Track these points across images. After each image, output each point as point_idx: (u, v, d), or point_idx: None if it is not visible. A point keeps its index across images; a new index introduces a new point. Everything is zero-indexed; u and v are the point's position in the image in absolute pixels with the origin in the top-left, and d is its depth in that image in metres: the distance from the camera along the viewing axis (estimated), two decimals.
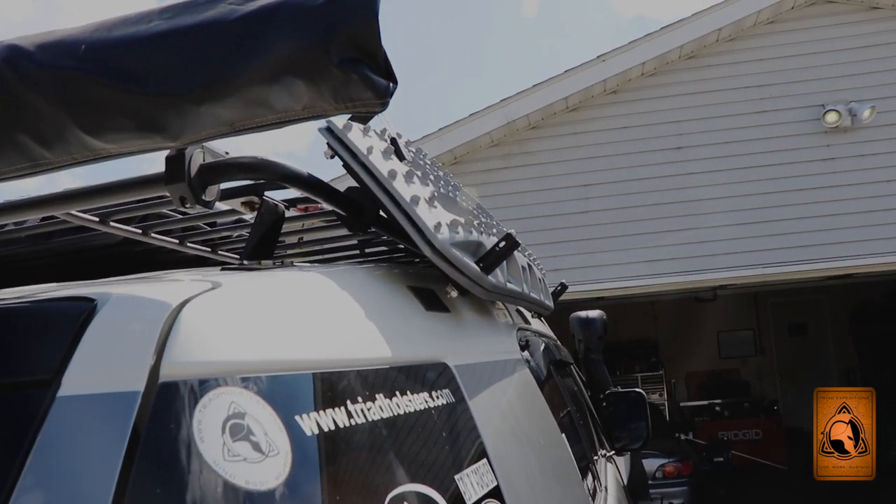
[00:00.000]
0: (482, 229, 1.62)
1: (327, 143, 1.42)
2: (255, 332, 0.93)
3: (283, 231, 1.49)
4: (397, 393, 1.12)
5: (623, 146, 8.51)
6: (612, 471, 3.81)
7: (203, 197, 1.18)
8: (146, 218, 1.76)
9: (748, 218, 8.12)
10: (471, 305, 1.79)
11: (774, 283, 9.06)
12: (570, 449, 2.38)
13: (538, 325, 3.18)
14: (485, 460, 1.32)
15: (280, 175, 1.24)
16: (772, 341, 14.99)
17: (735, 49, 8.67)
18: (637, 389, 4.29)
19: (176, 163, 1.15)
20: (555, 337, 3.75)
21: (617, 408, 4.14)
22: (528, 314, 2.89)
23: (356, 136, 1.39)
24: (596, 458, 3.29)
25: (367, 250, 2.26)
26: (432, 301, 1.51)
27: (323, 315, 1.12)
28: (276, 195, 1.43)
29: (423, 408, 1.18)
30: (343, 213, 1.47)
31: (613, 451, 4.00)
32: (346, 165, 1.38)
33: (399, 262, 2.15)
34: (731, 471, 11.22)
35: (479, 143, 8.57)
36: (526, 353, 2.22)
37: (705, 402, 13.61)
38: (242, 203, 1.39)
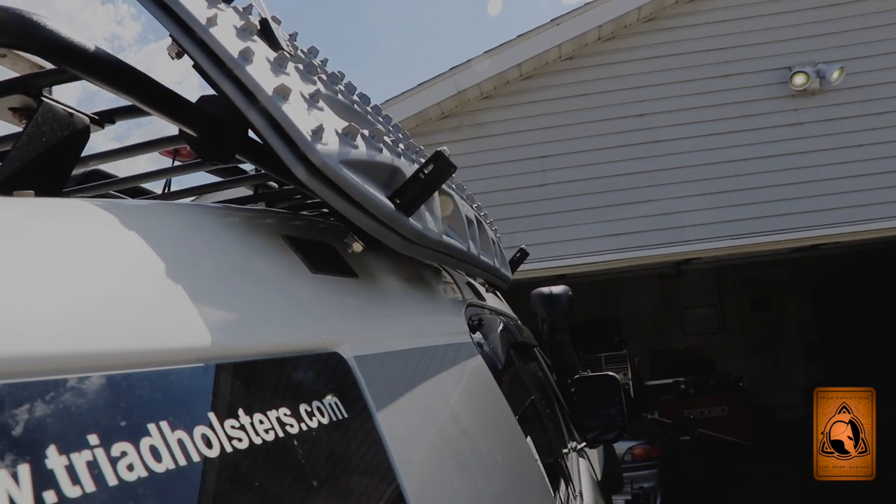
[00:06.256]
0: (398, 149, 1.11)
1: (170, 39, 0.91)
2: None
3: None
4: (233, 405, 0.64)
5: (582, 115, 8.01)
6: (585, 466, 3.38)
7: None
8: None
9: (715, 187, 7.69)
10: (395, 271, 1.29)
11: (742, 256, 8.69)
12: (534, 450, 1.92)
13: (494, 301, 2.70)
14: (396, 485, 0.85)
15: (26, 39, 0.72)
16: (735, 317, 14.70)
17: (696, 10, 8.22)
18: (609, 373, 3.85)
19: None
20: (514, 316, 3.27)
21: (587, 394, 3.71)
22: (482, 289, 2.41)
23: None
24: (566, 452, 2.85)
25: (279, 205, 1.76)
26: (325, 260, 1.00)
27: (105, 274, 0.63)
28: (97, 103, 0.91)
29: (286, 433, 0.69)
30: (192, 134, 0.97)
31: (585, 444, 3.56)
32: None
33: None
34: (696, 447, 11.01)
35: (428, 115, 8.03)
36: (478, 335, 1.74)
37: (670, 381, 13.34)
38: (11, 109, 0.87)
